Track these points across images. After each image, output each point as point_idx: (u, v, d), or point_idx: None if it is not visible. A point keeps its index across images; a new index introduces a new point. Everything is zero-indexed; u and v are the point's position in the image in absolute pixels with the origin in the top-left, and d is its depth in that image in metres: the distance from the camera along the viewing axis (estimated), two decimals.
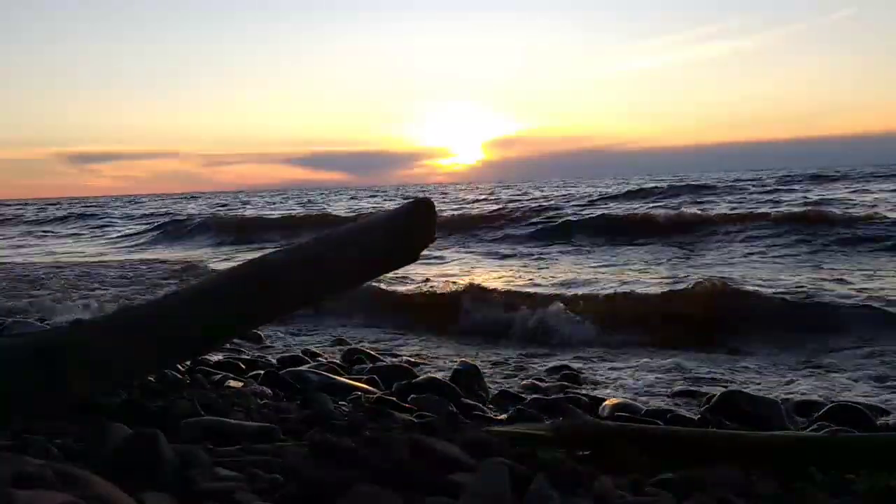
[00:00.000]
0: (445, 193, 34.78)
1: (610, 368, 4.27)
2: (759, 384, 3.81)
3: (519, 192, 28.99)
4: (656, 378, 3.95)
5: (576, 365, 4.32)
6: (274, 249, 2.21)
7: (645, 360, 4.44)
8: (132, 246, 17.29)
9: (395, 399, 3.05)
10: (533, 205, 17.32)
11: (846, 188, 18.34)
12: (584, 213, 14.95)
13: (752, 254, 9.04)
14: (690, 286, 6.40)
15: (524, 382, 3.81)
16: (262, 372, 3.57)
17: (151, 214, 26.76)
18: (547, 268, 9.16)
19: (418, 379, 3.55)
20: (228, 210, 28.14)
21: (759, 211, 12.51)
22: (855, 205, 13.07)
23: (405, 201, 2.30)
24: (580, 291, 6.75)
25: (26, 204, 51.60)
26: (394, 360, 4.27)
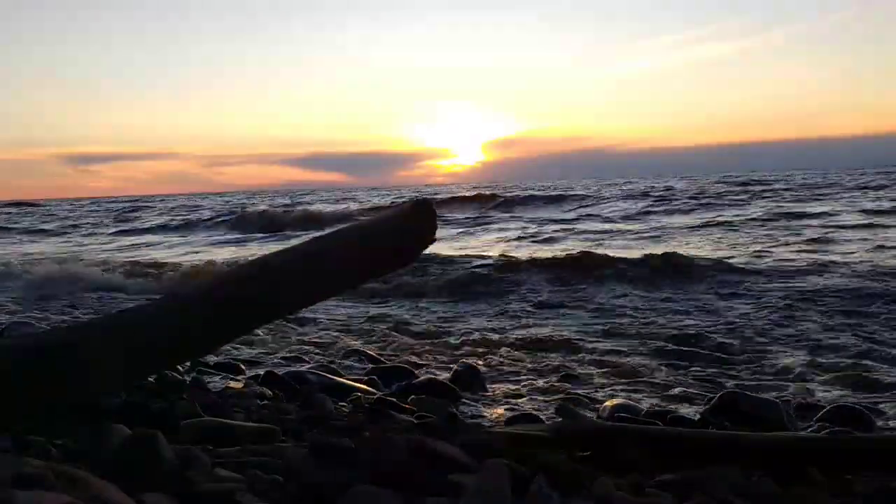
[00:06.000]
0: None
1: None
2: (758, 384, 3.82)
3: None
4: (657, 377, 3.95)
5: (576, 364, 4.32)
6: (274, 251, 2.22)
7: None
8: None
9: (394, 400, 3.05)
10: None
11: None
12: None
13: None
14: None
15: (524, 383, 3.81)
16: (261, 373, 3.57)
17: None
18: None
19: (418, 380, 3.55)
20: None
21: None
22: None
23: (405, 202, 2.30)
24: None
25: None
26: (394, 360, 4.28)
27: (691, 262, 8.33)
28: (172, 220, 24.92)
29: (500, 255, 10.28)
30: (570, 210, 20.60)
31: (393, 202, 27.36)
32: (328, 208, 26.70)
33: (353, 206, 28.92)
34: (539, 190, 31.67)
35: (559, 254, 9.99)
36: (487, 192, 27.91)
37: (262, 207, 25.63)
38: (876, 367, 4.16)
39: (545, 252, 10.97)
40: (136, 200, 50.01)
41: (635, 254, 9.91)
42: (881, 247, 9.40)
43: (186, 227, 22.53)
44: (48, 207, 43.82)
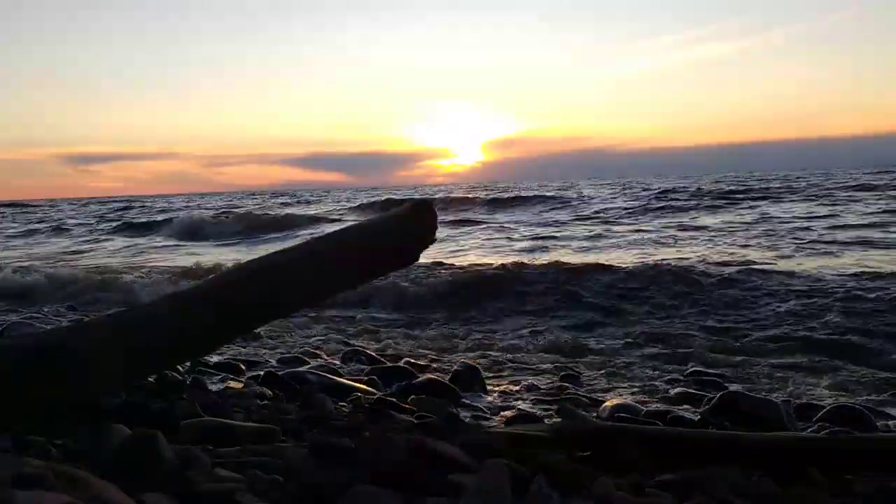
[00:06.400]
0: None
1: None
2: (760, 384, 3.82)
3: None
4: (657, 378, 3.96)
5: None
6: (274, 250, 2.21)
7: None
8: None
9: (394, 400, 3.05)
10: None
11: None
12: None
13: None
14: None
15: (524, 383, 3.81)
16: (261, 373, 3.57)
17: None
18: None
19: (418, 380, 3.55)
20: None
21: None
22: None
23: (405, 203, 2.30)
24: None
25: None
26: (394, 360, 4.27)
27: (690, 263, 8.34)
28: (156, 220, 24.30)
29: (498, 258, 10.28)
30: (569, 210, 20.60)
31: (374, 202, 27.02)
32: (310, 211, 26.27)
33: (318, 209, 27.90)
34: (537, 190, 31.74)
35: (558, 256, 10.00)
36: (482, 193, 27.97)
37: (210, 212, 24.77)
38: (876, 367, 4.17)
39: (543, 254, 10.98)
40: (132, 200, 50.03)
41: (633, 255, 9.93)
42: (885, 249, 9.40)
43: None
44: (46, 208, 43.89)
